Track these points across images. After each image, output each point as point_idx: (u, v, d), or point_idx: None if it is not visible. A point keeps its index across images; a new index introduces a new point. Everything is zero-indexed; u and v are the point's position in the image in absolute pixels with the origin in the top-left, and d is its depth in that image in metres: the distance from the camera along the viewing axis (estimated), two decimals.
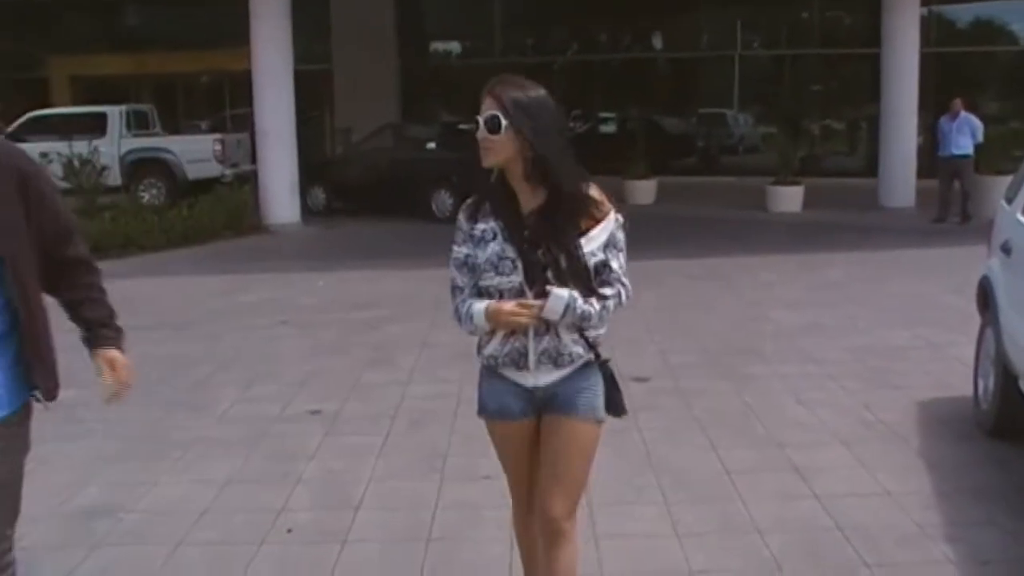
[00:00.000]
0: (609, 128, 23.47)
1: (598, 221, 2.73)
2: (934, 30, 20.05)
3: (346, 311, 8.95)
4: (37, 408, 2.87)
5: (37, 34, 23.97)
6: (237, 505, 4.58)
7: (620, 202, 14.17)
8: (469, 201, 2.87)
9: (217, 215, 14.18)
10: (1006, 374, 4.74)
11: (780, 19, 23.43)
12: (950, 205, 14.21)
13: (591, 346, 2.83)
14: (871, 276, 10.34)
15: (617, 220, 2.77)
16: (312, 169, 16.48)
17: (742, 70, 23.34)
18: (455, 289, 2.85)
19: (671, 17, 23.36)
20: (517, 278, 2.72)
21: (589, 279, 2.71)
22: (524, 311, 2.69)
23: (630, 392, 6.20)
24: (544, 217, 2.71)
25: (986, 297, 5.16)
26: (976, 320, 5.63)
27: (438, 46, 25.37)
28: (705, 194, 17.87)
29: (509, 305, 2.71)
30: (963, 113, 14.23)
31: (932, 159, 15.35)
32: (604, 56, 24.47)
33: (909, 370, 6.58)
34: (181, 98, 24.67)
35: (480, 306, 2.75)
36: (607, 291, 2.75)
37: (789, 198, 15.53)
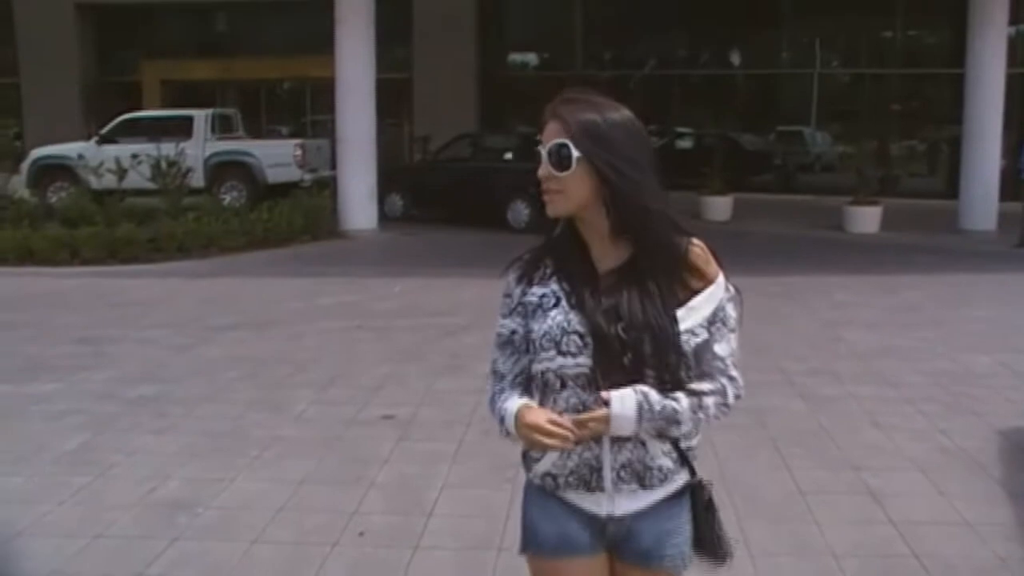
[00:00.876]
0: (686, 143, 23.35)
1: (701, 288, 2.04)
2: (1020, 50, 19.58)
3: (422, 317, 9.05)
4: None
5: (131, 38, 24.73)
6: (311, 505, 4.68)
7: (694, 218, 14.15)
8: (523, 257, 2.16)
9: (295, 219, 14.45)
10: None
11: (861, 37, 23.09)
12: None
13: (685, 459, 2.13)
14: (950, 299, 10.13)
15: (728, 290, 2.07)
16: (390, 176, 16.70)
17: (821, 88, 23.04)
18: (494, 374, 2.18)
19: (751, 33, 23.18)
20: (586, 361, 2.01)
21: (684, 366, 2.01)
22: (562, 431, 1.96)
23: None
24: (627, 280, 2.03)
25: None
26: None
27: (518, 56, 25.51)
28: (781, 212, 17.69)
29: (545, 417, 1.98)
30: None
31: (1015, 182, 14.99)
32: (682, 71, 24.35)
33: (989, 397, 6.44)
34: (265, 103, 25.17)
35: (513, 407, 2.05)
36: (705, 385, 2.04)
37: (867, 218, 15.28)
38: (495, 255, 10.96)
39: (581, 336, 2.00)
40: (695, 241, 2.08)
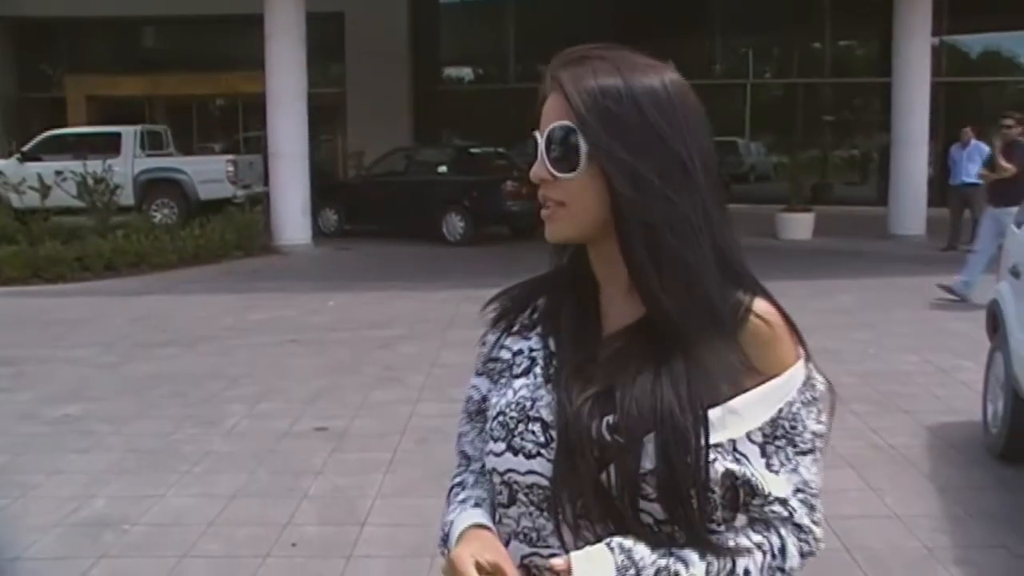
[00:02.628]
0: None
1: (758, 381, 1.22)
2: (945, 60, 20.11)
3: (356, 330, 8.97)
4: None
5: (53, 53, 24.26)
6: (243, 519, 4.58)
7: None
8: (511, 289, 1.41)
9: (228, 235, 14.28)
10: (1016, 398, 4.73)
11: (792, 48, 23.55)
12: (960, 233, 14.19)
13: None
14: (880, 302, 10.32)
15: (812, 382, 1.26)
16: (324, 191, 16.60)
17: (754, 98, 23.42)
18: (460, 455, 1.44)
19: (683, 45, 23.46)
20: (543, 469, 1.24)
21: (708, 503, 1.20)
22: None
23: None
24: (640, 349, 1.24)
25: (995, 321, 5.15)
26: (984, 345, 5.61)
27: (451, 71, 25.54)
28: None
29: (472, 562, 1.21)
30: (973, 141, 14.25)
31: (943, 187, 15.37)
32: None
33: (918, 394, 6.56)
34: (196, 120, 24.84)
35: (459, 526, 1.30)
36: (749, 538, 1.24)
37: (800, 225, 15.55)
38: (430, 268, 11.00)
39: (545, 428, 1.24)
40: (760, 304, 1.25)
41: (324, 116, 18.82)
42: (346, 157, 21.88)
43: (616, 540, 1.19)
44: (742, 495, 1.23)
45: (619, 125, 1.21)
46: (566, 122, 1.23)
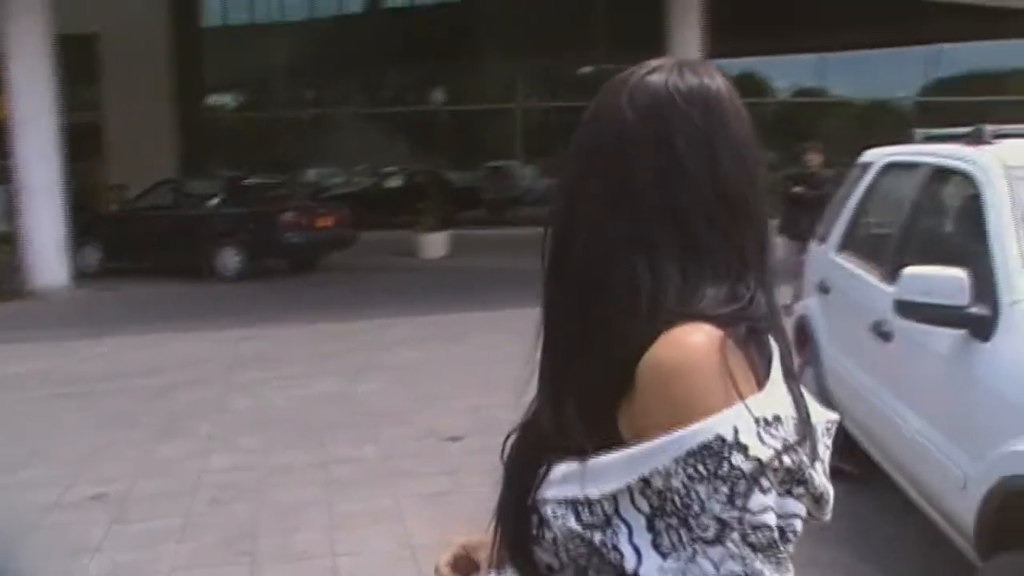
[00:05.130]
0: (396, 182, 23.30)
1: (642, 435, 0.97)
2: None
3: (130, 378, 8.19)
4: None
5: None
6: None
7: (408, 256, 13.69)
8: None
9: None
10: None
11: (561, 72, 24.19)
12: None
13: None
14: None
15: (717, 454, 0.93)
16: (84, 227, 15.35)
17: (524, 122, 23.87)
18: None
19: (456, 70, 23.65)
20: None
21: (531, 558, 1.07)
22: None
23: (446, 453, 6.00)
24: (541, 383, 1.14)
25: (804, 335, 5.22)
26: None
27: (218, 99, 24.54)
28: (497, 246, 17.91)
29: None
30: None
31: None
32: (388, 109, 24.38)
33: None
34: None
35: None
36: None
37: None
38: (205, 306, 10.18)
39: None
40: (657, 349, 0.97)
41: (80, 144, 17.48)
42: (108, 190, 20.47)
43: None
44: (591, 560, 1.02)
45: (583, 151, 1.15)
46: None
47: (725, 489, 0.93)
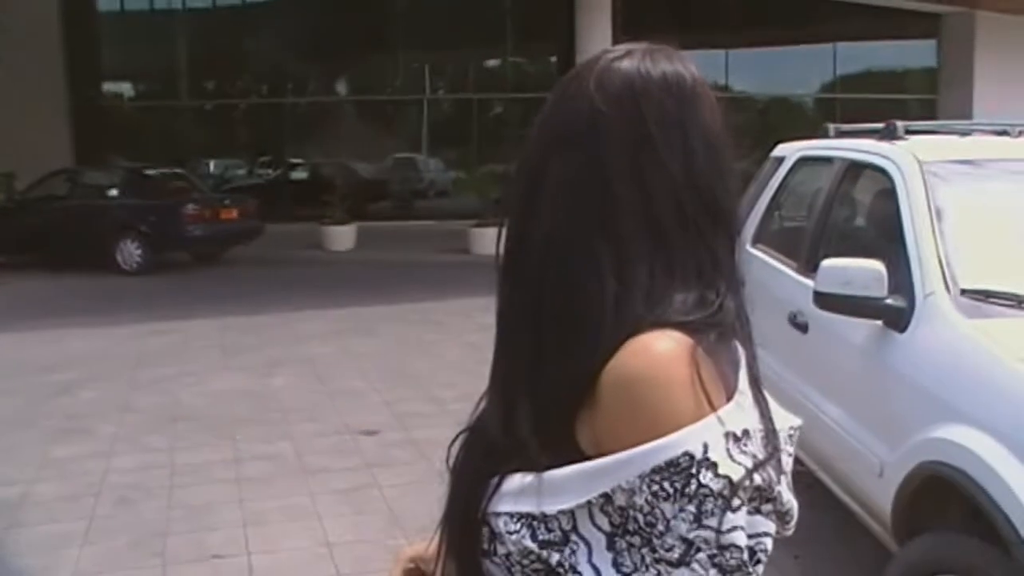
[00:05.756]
0: (301, 174, 22.91)
1: (605, 449, 0.91)
2: None
3: (26, 376, 7.84)
4: None
5: None
6: None
7: (316, 249, 13.46)
8: None
9: None
10: None
11: (469, 64, 24.08)
12: None
13: None
14: None
15: (686, 471, 0.88)
16: None
17: (431, 114, 23.72)
18: None
19: (361, 60, 23.34)
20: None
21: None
22: None
23: (361, 447, 5.90)
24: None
25: None
26: None
27: (114, 86, 23.76)
28: (403, 239, 17.77)
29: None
30: None
31: None
32: (292, 99, 23.95)
33: None
34: None
35: None
36: None
37: (493, 239, 15.75)
38: (106, 301, 9.84)
39: None
40: (623, 357, 0.92)
41: None
42: None
43: None
44: None
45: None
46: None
47: (692, 508, 0.88)
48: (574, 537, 0.92)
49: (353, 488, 5.16)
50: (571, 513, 0.92)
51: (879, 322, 3.40)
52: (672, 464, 0.87)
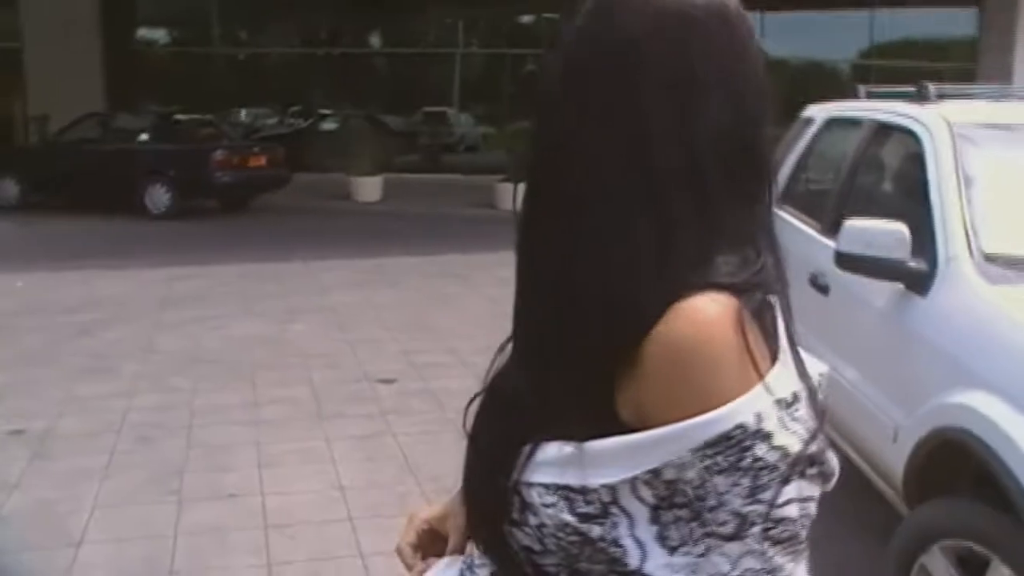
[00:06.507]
0: (331, 125, 22.91)
1: (651, 421, 0.86)
2: None
3: (51, 315, 7.94)
4: None
5: None
6: None
7: (344, 200, 13.51)
8: None
9: None
10: None
11: (502, 19, 23.88)
12: None
13: None
14: None
15: (740, 445, 0.84)
16: (3, 160, 14.84)
17: (464, 69, 23.58)
18: None
19: (395, 12, 23.17)
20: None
21: (510, 548, 0.95)
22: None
23: (378, 395, 5.94)
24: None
25: None
26: None
27: (149, 32, 23.77)
28: (430, 192, 17.74)
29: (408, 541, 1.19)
30: None
31: None
32: (325, 50, 23.87)
33: None
34: None
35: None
36: None
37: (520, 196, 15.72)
38: (133, 245, 9.91)
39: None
40: (673, 323, 0.85)
41: None
42: (27, 121, 19.75)
43: (466, 557, 1.06)
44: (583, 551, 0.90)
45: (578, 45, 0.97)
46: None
47: (747, 482, 0.84)
48: (614, 509, 0.87)
49: (368, 435, 5.20)
50: (613, 486, 0.87)
51: (900, 285, 3.37)
52: (726, 437, 0.83)
